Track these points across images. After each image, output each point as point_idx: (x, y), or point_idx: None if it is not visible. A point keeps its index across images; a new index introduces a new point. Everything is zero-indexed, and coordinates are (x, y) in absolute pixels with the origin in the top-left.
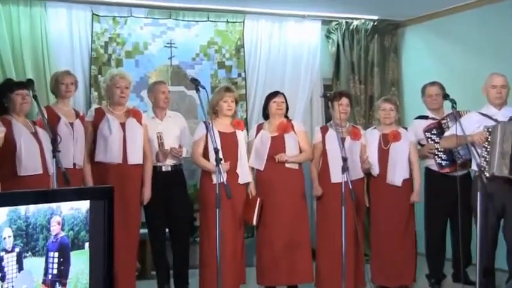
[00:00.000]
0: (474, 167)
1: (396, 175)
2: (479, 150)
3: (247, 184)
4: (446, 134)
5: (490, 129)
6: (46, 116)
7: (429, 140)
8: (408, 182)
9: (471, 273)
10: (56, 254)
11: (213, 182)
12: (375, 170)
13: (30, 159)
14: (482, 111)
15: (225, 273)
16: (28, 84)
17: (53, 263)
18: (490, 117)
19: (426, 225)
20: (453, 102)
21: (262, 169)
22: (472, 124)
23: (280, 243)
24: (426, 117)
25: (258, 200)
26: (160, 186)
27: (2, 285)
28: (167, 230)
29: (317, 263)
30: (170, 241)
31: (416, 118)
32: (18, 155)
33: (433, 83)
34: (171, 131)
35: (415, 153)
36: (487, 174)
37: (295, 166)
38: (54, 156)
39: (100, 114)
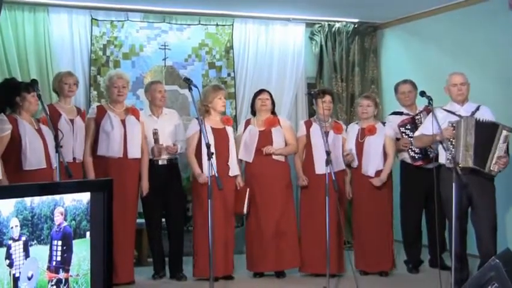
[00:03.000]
0: (442, 160)
1: (370, 166)
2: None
3: (235, 176)
4: (416, 134)
5: (454, 124)
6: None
7: (403, 134)
8: None
9: (446, 259)
10: (60, 243)
11: (199, 180)
12: (355, 162)
13: (34, 154)
14: (446, 107)
15: (216, 260)
16: (33, 84)
17: (56, 250)
18: (454, 113)
19: (403, 214)
20: (429, 99)
21: (250, 161)
22: (438, 120)
23: (268, 232)
24: (400, 113)
25: (248, 190)
26: (157, 178)
27: (10, 271)
28: (163, 220)
29: (301, 249)
30: (165, 230)
31: (391, 114)
32: (24, 151)
33: (405, 81)
34: (167, 128)
35: (390, 146)
36: (461, 165)
37: (282, 158)
38: (57, 151)
39: (101, 111)
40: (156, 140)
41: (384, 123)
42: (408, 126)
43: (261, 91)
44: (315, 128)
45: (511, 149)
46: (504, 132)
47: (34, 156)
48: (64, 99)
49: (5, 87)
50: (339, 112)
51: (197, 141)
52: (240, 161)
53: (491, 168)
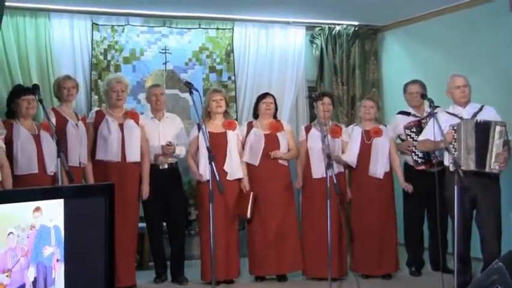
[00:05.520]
0: (447, 162)
1: (378, 168)
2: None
3: (238, 180)
4: (420, 138)
5: (455, 127)
6: (54, 119)
7: (408, 137)
8: (388, 174)
9: (449, 262)
10: None
11: (203, 179)
12: (353, 161)
13: (26, 159)
14: (448, 110)
15: (218, 263)
16: (34, 89)
17: None
18: (456, 116)
19: (406, 216)
20: (430, 101)
21: (257, 164)
22: (441, 124)
23: (270, 235)
24: (408, 114)
25: (251, 194)
26: (158, 182)
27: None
28: (164, 223)
29: (303, 253)
30: (167, 234)
31: (398, 113)
32: (15, 156)
33: (414, 82)
34: (169, 131)
35: (395, 148)
36: (464, 169)
37: (285, 162)
38: (58, 156)
39: (100, 116)
40: (165, 154)
41: (385, 126)
42: (414, 130)
43: (265, 95)
44: (313, 133)
45: None
46: (498, 128)
47: (25, 161)
48: (64, 104)
49: (9, 95)
50: (340, 115)
51: (196, 146)
52: (244, 164)
53: (492, 168)
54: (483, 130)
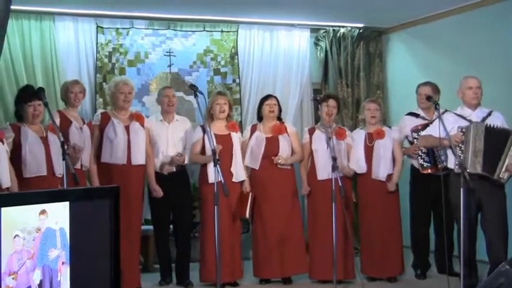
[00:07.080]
0: (451, 165)
1: (381, 170)
2: (457, 150)
3: (241, 182)
4: (423, 133)
5: (463, 130)
6: (58, 120)
7: (415, 140)
8: (392, 177)
9: (455, 265)
10: None
11: (209, 181)
12: (361, 169)
13: (35, 161)
14: (456, 112)
15: (223, 266)
16: (39, 93)
17: None
18: (464, 118)
19: (412, 219)
20: (436, 103)
21: (257, 168)
22: (448, 125)
23: (274, 238)
24: (417, 115)
25: (250, 194)
26: (165, 185)
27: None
28: (171, 226)
29: (310, 256)
30: (172, 237)
31: (407, 114)
32: (24, 158)
33: (426, 83)
34: (177, 134)
35: (398, 150)
36: (469, 171)
37: (288, 166)
38: (64, 159)
39: (105, 118)
40: (172, 162)
41: (390, 127)
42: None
43: (268, 96)
44: (317, 135)
45: None
46: None
47: (34, 164)
48: (70, 107)
49: (17, 96)
50: (345, 118)
51: (200, 148)
52: (246, 167)
53: (501, 176)
54: (499, 136)
